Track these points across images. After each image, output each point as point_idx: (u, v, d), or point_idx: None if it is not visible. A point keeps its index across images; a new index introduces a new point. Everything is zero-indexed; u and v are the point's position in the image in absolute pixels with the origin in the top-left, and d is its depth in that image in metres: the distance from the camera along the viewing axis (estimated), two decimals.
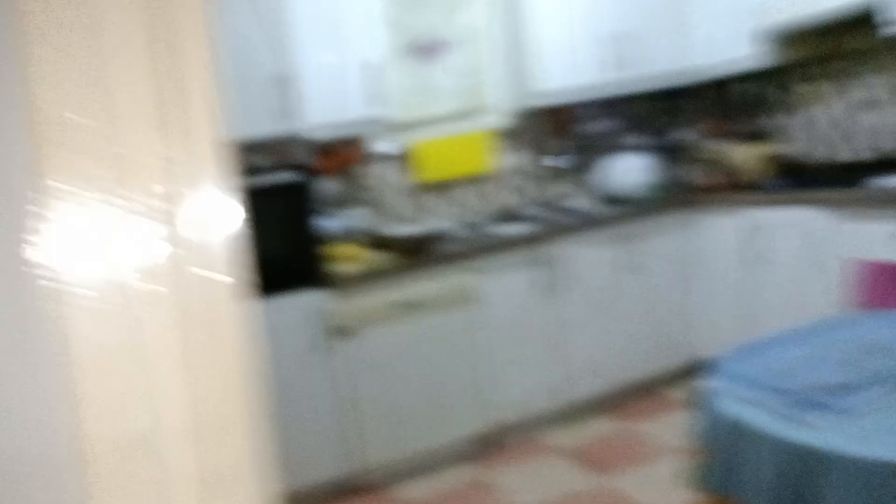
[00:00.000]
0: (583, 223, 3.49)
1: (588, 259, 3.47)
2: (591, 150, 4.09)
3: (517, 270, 3.34)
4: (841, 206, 2.92)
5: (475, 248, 3.29)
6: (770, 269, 3.28)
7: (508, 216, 3.84)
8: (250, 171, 2.95)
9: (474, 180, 3.89)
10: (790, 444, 1.37)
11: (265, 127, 3.00)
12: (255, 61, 2.98)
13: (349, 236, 3.40)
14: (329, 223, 3.33)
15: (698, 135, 4.12)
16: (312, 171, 3.02)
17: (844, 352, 1.83)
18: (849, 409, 1.50)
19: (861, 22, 3.02)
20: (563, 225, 3.47)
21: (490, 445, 3.33)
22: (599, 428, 3.41)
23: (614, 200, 3.79)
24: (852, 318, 2.09)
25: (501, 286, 3.31)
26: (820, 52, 3.47)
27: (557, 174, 4.07)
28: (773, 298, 3.27)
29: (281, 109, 3.03)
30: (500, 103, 3.91)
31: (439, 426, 3.23)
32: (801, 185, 3.27)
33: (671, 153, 4.10)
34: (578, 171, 4.09)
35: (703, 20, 3.69)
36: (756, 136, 3.87)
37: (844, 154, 3.48)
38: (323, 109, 3.16)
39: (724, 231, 3.51)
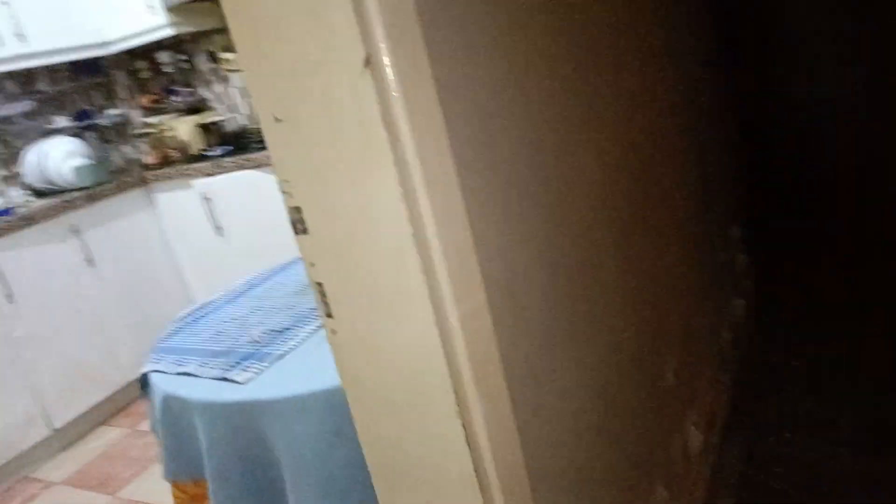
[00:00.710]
0: (20, 223, 2.98)
1: (37, 263, 3.00)
2: (7, 137, 3.51)
3: None
4: None
5: None
6: (231, 233, 3.35)
7: None
8: None
9: None
10: (217, 406, 1.35)
11: None
12: None
13: None
14: None
15: (136, 111, 3.92)
16: None
17: (279, 298, 1.92)
18: (276, 354, 1.54)
19: None
20: None
21: None
22: (101, 443, 3.07)
23: (51, 192, 3.35)
24: (286, 265, 2.22)
25: None
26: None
27: None
28: (241, 261, 3.33)
29: None
30: None
31: None
32: (242, 149, 3.39)
33: (108, 132, 3.80)
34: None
35: None
36: (194, 108, 3.85)
37: None
38: None
39: (183, 204, 3.43)
